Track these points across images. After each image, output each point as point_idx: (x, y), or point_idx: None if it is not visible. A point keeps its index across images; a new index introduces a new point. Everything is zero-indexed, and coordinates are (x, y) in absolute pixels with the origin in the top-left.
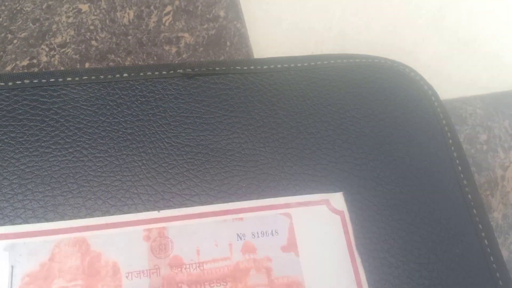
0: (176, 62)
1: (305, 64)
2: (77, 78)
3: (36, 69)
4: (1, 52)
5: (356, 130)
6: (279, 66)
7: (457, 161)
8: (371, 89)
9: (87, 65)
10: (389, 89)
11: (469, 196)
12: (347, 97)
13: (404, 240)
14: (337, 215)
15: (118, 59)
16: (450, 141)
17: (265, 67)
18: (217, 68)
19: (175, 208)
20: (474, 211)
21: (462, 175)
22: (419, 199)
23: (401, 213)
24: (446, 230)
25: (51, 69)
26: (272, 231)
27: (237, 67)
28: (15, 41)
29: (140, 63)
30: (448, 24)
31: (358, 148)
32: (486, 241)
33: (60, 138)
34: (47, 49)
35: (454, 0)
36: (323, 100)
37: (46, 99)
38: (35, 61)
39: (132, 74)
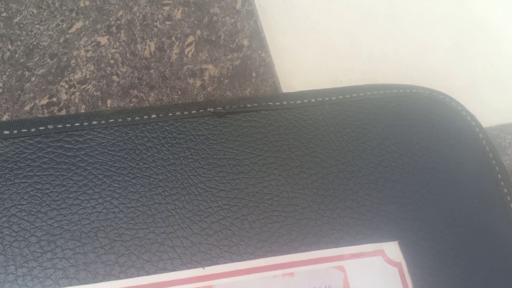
0: (202, 95)
1: (340, 97)
2: (103, 121)
3: (56, 108)
4: (19, 91)
5: (398, 167)
6: (312, 100)
7: (508, 198)
8: (410, 121)
9: (109, 102)
10: (429, 120)
11: None
12: (386, 131)
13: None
14: (394, 267)
15: (141, 94)
16: (499, 175)
17: (298, 102)
18: (248, 105)
19: (217, 262)
20: None
21: None
22: (473, 241)
23: (458, 259)
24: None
25: (72, 107)
26: (325, 286)
27: (269, 103)
28: (32, 79)
29: (164, 98)
30: (479, 48)
31: (403, 186)
32: None
33: (88, 188)
34: (66, 86)
35: (484, 23)
36: (361, 135)
37: (71, 145)
38: (54, 99)
39: (161, 115)
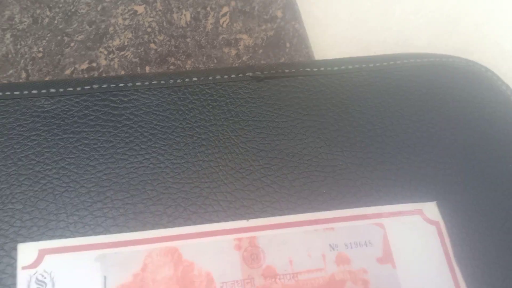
0: (237, 64)
1: (377, 65)
2: (146, 83)
3: (96, 73)
4: (59, 56)
5: (436, 132)
6: (350, 67)
7: None
8: (446, 89)
9: (147, 68)
10: (465, 89)
11: None
12: (423, 98)
13: (501, 246)
14: (433, 225)
15: (179, 62)
16: None
17: (335, 68)
18: (286, 71)
19: (260, 216)
20: None
21: None
22: (509, 202)
23: (496, 220)
24: None
25: (111, 73)
26: (365, 241)
27: (307, 69)
28: (72, 44)
29: (200, 66)
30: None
31: (440, 151)
32: None
33: (135, 144)
34: (105, 52)
35: None
36: (398, 101)
37: (117, 105)
38: (94, 64)
39: (201, 78)
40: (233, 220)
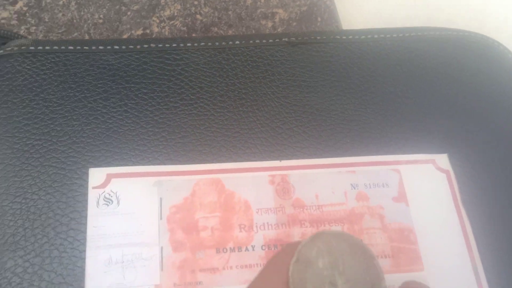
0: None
1: (400, 35)
2: (195, 44)
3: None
4: (117, 23)
5: (451, 96)
6: (375, 36)
7: None
8: (463, 60)
9: (194, 36)
10: (480, 61)
11: None
12: (441, 67)
13: (503, 196)
14: (443, 173)
15: (221, 31)
16: None
17: (362, 37)
18: (318, 38)
19: (292, 158)
20: None
21: None
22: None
23: (498, 172)
24: None
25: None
26: (383, 183)
27: (337, 37)
28: (128, 13)
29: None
30: None
31: (453, 111)
32: None
33: (185, 95)
34: (157, 21)
35: None
36: (418, 68)
37: (170, 61)
38: (148, 31)
39: (243, 42)
40: (267, 160)
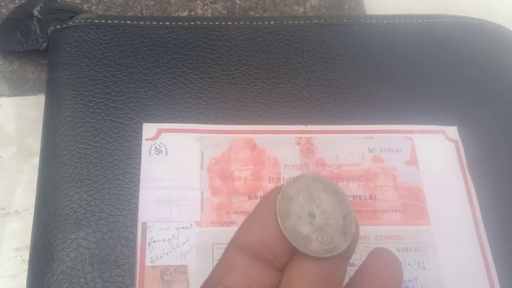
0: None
1: (419, 21)
2: (235, 23)
3: None
4: (166, 4)
5: (463, 76)
6: (396, 21)
7: None
8: (476, 45)
9: None
10: (491, 46)
11: None
12: (456, 50)
13: (505, 165)
14: (452, 143)
15: (257, 15)
16: None
17: (385, 21)
18: (344, 20)
19: (316, 124)
20: None
21: None
22: None
23: (502, 144)
24: None
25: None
26: (397, 149)
27: (361, 20)
28: None
29: None
30: None
31: (465, 90)
32: None
33: (225, 66)
34: (201, 4)
35: None
36: (434, 50)
37: (213, 37)
38: (192, 13)
39: (277, 22)
40: (295, 124)
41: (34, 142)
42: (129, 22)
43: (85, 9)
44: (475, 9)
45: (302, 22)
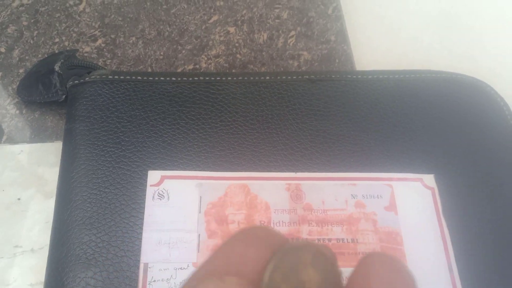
0: (299, 71)
1: (401, 76)
2: (235, 78)
3: (198, 72)
4: (174, 59)
5: (441, 128)
6: (380, 76)
7: None
8: (454, 98)
9: (234, 71)
10: (469, 100)
11: None
12: (434, 103)
13: (481, 212)
14: (429, 190)
15: (256, 68)
16: None
17: (369, 77)
18: (333, 76)
19: (305, 171)
20: None
21: None
22: (493, 182)
23: (478, 192)
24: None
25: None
26: (377, 195)
27: (348, 76)
28: (183, 51)
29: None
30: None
31: (443, 140)
32: None
33: (224, 118)
34: (205, 58)
35: None
36: (415, 103)
37: (214, 91)
38: (197, 66)
39: (272, 78)
40: (285, 171)
41: (51, 185)
42: (139, 77)
43: (100, 63)
44: (459, 63)
45: (294, 77)
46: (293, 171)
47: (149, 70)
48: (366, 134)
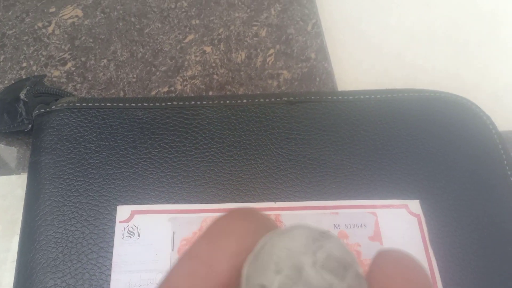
0: (278, 92)
1: (383, 96)
2: (210, 102)
3: (173, 95)
4: (148, 81)
5: (425, 149)
6: (361, 97)
7: (509, 173)
8: (438, 118)
9: (210, 93)
10: (453, 118)
11: None
12: (418, 124)
13: (467, 238)
14: (415, 217)
15: (233, 89)
16: (505, 162)
17: (350, 97)
18: (312, 97)
19: (284, 200)
20: None
21: None
22: (479, 207)
23: (465, 217)
24: (500, 233)
25: (185, 95)
26: (361, 224)
27: (329, 97)
28: (157, 73)
29: (249, 93)
30: (504, 67)
31: (428, 163)
32: None
33: (199, 145)
34: (181, 80)
35: (506, 50)
36: (398, 124)
37: (189, 116)
38: (172, 88)
39: (249, 101)
40: (264, 202)
41: (19, 220)
42: (108, 104)
43: (70, 88)
44: (443, 79)
45: (273, 99)
46: (272, 201)
47: (121, 94)
48: (348, 158)
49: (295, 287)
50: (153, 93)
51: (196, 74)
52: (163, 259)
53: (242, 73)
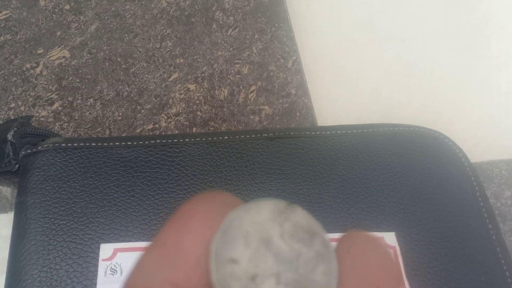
0: (259, 128)
1: (360, 131)
2: (192, 139)
3: (158, 132)
4: (133, 119)
5: (400, 182)
6: (339, 132)
7: (484, 210)
8: (412, 151)
9: (194, 129)
10: (427, 152)
11: (494, 237)
12: (393, 157)
13: (442, 269)
14: (390, 249)
15: (217, 125)
16: (478, 194)
17: (328, 132)
18: (291, 133)
19: None
20: (498, 249)
21: (487, 221)
22: (453, 238)
23: (439, 249)
24: (474, 264)
25: (169, 132)
26: None
27: (307, 133)
28: (142, 111)
29: (232, 128)
30: (477, 100)
31: (403, 196)
32: (507, 273)
33: (181, 181)
34: (165, 117)
35: (480, 84)
36: (374, 158)
37: (171, 154)
38: (157, 125)
39: (230, 137)
40: None
41: (5, 259)
42: (93, 143)
43: (57, 127)
44: (419, 112)
45: (253, 135)
46: None
47: (107, 132)
48: (326, 192)
49: (265, 259)
50: (138, 130)
51: (180, 111)
52: None
53: (225, 109)
